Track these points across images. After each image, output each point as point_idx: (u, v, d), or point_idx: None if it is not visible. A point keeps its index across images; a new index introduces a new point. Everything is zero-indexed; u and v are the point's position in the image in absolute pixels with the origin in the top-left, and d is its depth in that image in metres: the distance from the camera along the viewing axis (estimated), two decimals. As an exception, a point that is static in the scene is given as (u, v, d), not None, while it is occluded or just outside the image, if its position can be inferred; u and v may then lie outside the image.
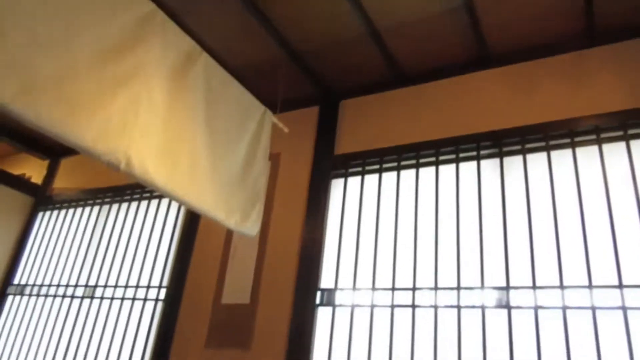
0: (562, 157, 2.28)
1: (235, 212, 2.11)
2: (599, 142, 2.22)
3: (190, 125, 1.94)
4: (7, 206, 4.11)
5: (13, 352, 3.67)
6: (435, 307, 2.25)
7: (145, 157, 1.70)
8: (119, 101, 1.62)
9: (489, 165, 2.43)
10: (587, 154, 2.23)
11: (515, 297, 2.11)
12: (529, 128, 2.36)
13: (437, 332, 2.21)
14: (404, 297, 2.35)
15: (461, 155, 2.51)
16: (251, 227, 2.21)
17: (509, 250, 2.20)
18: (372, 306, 2.40)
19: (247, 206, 2.19)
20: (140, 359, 2.99)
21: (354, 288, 2.49)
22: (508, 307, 2.10)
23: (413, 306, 2.30)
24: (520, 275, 2.14)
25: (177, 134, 1.86)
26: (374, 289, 2.43)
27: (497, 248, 2.24)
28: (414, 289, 2.33)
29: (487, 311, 2.14)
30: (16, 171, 4.62)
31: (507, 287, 2.13)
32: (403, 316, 2.32)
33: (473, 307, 2.18)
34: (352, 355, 2.36)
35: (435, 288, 2.28)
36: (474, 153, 2.48)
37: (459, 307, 2.20)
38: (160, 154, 1.77)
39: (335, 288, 2.54)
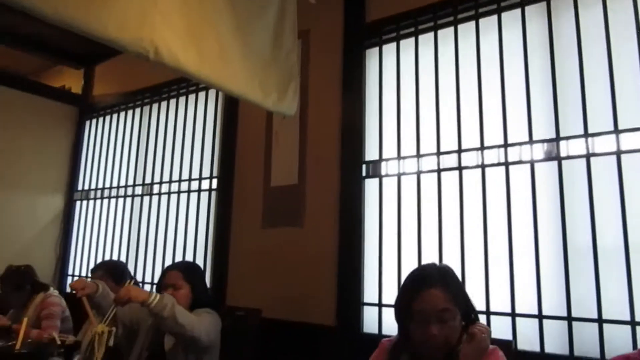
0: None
1: (271, 92, 2.08)
2: (663, -34, 1.96)
3: (211, 5, 1.85)
4: (55, 119, 4.26)
5: (91, 252, 4.04)
6: (483, 167, 2.23)
7: (171, 44, 1.66)
8: (134, -15, 1.55)
9: (534, 11, 2.23)
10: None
11: (566, 148, 2.05)
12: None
13: (485, 192, 2.21)
14: (450, 160, 2.33)
15: (503, 4, 2.30)
16: (289, 106, 2.19)
17: (558, 99, 2.09)
18: (419, 172, 2.41)
19: (282, 85, 2.14)
20: (204, 244, 3.21)
21: (398, 157, 2.49)
22: (558, 159, 2.05)
23: (459, 168, 2.29)
24: (571, 124, 2.05)
25: (200, 16, 1.79)
26: (418, 155, 2.42)
27: (545, 98, 2.13)
28: (459, 150, 2.30)
29: (536, 165, 2.10)
30: (56, 84, 4.71)
31: (557, 138, 2.06)
32: (450, 179, 2.32)
33: (521, 162, 2.14)
34: (402, 223, 2.43)
35: (482, 148, 2.24)
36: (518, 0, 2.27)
37: (506, 164, 2.17)
38: (186, 39, 1.72)
39: (380, 159, 2.55)
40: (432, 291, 1.38)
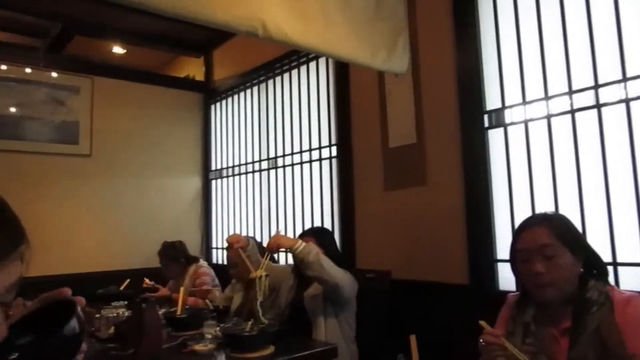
0: None
1: (379, 49, 2.03)
2: None
3: (309, -29, 1.84)
4: (185, 106, 4.63)
5: (230, 226, 4.38)
6: (627, 101, 1.96)
7: (277, 18, 1.69)
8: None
9: None
10: None
11: None
12: None
13: (631, 130, 1.94)
14: (586, 99, 2.09)
15: None
16: (399, 62, 2.13)
17: None
18: (548, 116, 2.20)
19: (390, 40, 2.08)
20: (330, 211, 3.31)
21: (523, 102, 2.29)
22: None
23: (597, 106, 2.05)
24: None
25: (300, -15, 1.80)
26: (547, 97, 2.21)
27: None
28: (596, 86, 2.05)
29: (696, 91, 1.80)
30: (180, 74, 5.11)
31: None
32: (586, 120, 2.09)
33: (676, 90, 1.85)
34: (533, 173, 2.26)
35: (624, 79, 1.97)
36: None
37: (657, 95, 1.89)
38: (291, 11, 1.75)
39: (503, 107, 2.37)
40: (533, 229, 1.40)
